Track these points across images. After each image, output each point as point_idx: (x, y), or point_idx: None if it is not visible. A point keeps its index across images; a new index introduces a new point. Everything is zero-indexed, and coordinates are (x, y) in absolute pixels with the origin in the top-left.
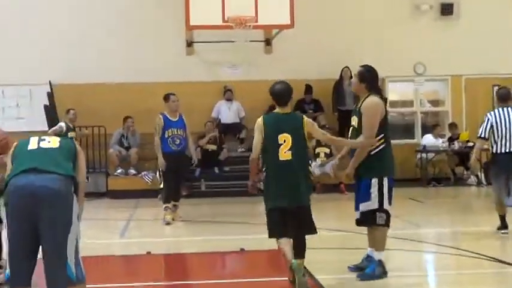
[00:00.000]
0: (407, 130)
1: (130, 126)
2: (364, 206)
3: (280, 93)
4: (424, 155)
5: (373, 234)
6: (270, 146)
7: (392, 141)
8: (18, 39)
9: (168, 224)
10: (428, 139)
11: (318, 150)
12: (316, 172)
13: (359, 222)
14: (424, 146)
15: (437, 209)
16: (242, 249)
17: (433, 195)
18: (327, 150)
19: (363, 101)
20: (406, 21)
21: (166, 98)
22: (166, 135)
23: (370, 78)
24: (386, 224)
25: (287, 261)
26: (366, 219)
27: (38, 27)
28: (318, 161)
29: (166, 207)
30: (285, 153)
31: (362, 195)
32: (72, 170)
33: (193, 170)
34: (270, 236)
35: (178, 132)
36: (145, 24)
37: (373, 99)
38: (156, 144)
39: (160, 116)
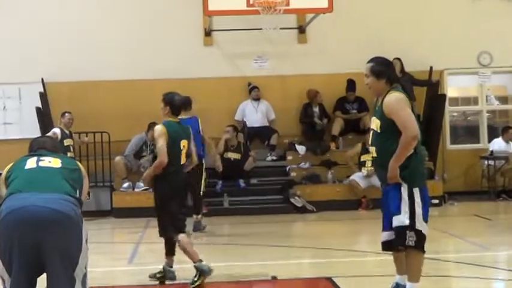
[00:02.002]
0: (470, 133)
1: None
2: (397, 220)
3: (180, 104)
4: (491, 162)
5: (406, 259)
6: (174, 151)
7: (453, 146)
8: (3, 29)
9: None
10: (498, 144)
11: (363, 158)
12: (361, 184)
13: (389, 244)
14: (492, 152)
15: (509, 227)
16: (274, 277)
17: (503, 211)
18: None
19: (383, 98)
20: (468, 3)
21: (190, 102)
22: None
23: (388, 71)
24: (417, 246)
25: (195, 260)
26: (398, 238)
27: (27, 15)
28: (364, 171)
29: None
30: (183, 157)
31: (392, 204)
32: (78, 193)
33: (215, 183)
34: (174, 233)
35: None
36: (154, 10)
37: (393, 94)
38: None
39: None
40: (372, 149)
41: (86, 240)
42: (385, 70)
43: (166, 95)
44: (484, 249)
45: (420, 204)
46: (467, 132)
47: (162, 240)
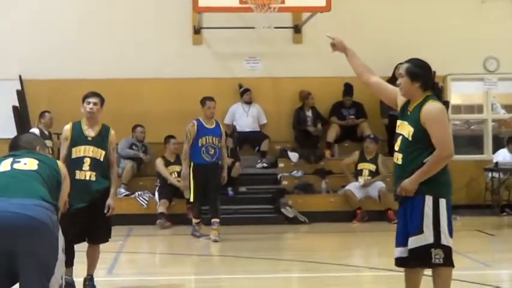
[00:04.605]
0: (474, 143)
1: (139, 137)
2: (414, 241)
3: None
4: (496, 174)
5: (436, 278)
6: None
7: (456, 157)
8: None
9: (215, 241)
10: (503, 155)
11: (360, 166)
12: (357, 195)
13: (404, 262)
14: (497, 164)
15: None
16: None
17: (506, 226)
18: (372, 167)
19: (420, 104)
20: (475, 5)
21: (202, 102)
22: (199, 144)
23: (424, 75)
24: (446, 263)
25: None
26: (417, 258)
27: (5, 7)
28: (361, 180)
29: (198, 222)
30: None
31: (412, 223)
32: (54, 198)
33: None
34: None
35: (214, 142)
36: (140, 5)
37: (437, 105)
38: (184, 152)
39: (194, 122)
40: (398, 155)
41: (63, 249)
42: (422, 73)
43: None
44: (486, 267)
45: (445, 218)
46: (471, 142)
47: (144, 250)
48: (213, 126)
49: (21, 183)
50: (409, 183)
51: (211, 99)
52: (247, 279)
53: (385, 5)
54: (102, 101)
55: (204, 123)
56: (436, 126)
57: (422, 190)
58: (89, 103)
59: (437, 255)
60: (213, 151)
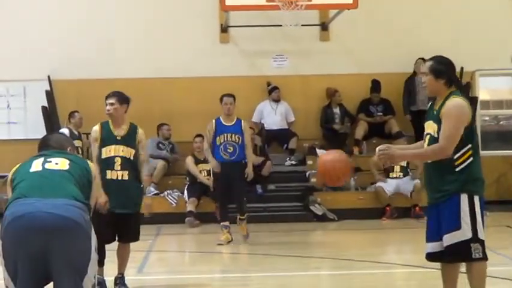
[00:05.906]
0: (503, 138)
1: (166, 134)
2: (452, 237)
3: None
4: None
5: (472, 272)
6: None
7: (485, 153)
8: (8, 23)
9: (220, 244)
10: None
11: None
12: (387, 192)
13: (437, 256)
14: None
15: None
16: None
17: None
18: (403, 163)
19: (443, 102)
20: (502, 1)
21: (220, 99)
22: (218, 142)
23: (448, 71)
24: (484, 257)
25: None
26: (456, 253)
27: (33, 8)
28: (392, 175)
29: (223, 225)
30: None
31: (448, 220)
32: (86, 197)
33: None
34: None
35: (233, 139)
36: (168, 4)
37: (457, 100)
38: (205, 149)
39: (213, 121)
40: None
41: (95, 249)
42: (446, 70)
43: None
44: None
45: (480, 213)
46: (499, 137)
47: (174, 248)
48: (232, 123)
49: (54, 183)
50: (398, 156)
51: (228, 95)
52: (277, 277)
53: (412, 1)
54: (122, 100)
55: (222, 120)
56: (448, 120)
57: (458, 188)
58: (106, 104)
59: (477, 250)
60: (231, 149)
